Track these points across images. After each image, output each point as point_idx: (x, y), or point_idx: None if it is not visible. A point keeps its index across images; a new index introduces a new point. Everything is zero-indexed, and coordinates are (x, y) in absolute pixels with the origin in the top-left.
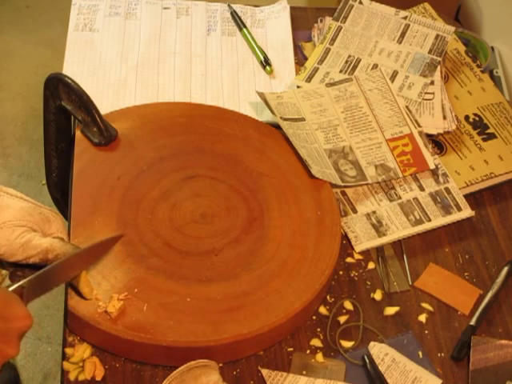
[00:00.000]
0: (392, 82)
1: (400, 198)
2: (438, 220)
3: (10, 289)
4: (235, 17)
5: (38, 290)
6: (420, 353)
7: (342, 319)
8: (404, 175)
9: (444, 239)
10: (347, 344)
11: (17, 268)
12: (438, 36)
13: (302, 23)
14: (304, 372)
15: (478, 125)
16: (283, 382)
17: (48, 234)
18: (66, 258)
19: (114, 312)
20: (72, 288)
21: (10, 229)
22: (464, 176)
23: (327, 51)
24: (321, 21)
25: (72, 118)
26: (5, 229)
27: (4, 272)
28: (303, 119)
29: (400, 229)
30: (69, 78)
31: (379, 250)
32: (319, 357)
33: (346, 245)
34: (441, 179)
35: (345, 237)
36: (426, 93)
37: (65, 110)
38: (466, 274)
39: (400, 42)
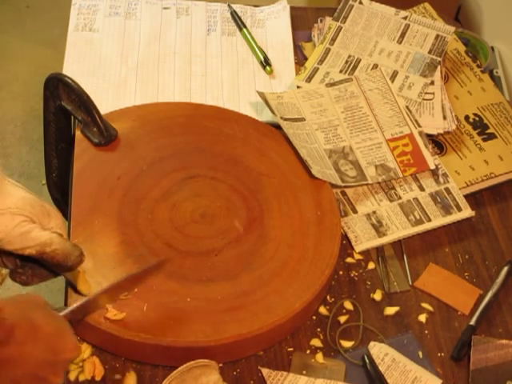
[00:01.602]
0: (392, 82)
1: (400, 198)
2: (438, 220)
3: (62, 313)
4: (235, 17)
5: (81, 313)
6: (420, 353)
7: (342, 319)
8: (404, 175)
9: (444, 239)
10: (347, 344)
11: (17, 265)
12: (438, 36)
13: (302, 23)
14: (304, 372)
15: (478, 125)
16: (283, 381)
17: (47, 229)
18: (113, 284)
19: (112, 318)
20: (70, 285)
21: (10, 215)
22: (464, 176)
23: (327, 51)
24: (321, 21)
25: (72, 117)
26: (5, 215)
27: (4, 272)
28: (303, 119)
29: (400, 229)
30: (69, 78)
31: (379, 250)
32: (319, 357)
33: (346, 245)
34: (441, 179)
35: (345, 237)
36: (426, 93)
37: (65, 110)
38: (466, 274)
39: (400, 42)
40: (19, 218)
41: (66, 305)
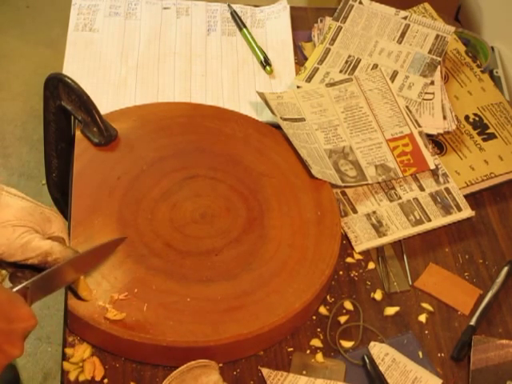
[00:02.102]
0: (392, 82)
1: (400, 198)
2: (438, 220)
3: (14, 289)
4: (235, 17)
5: (41, 292)
6: (420, 353)
7: (342, 319)
8: (404, 175)
9: (444, 239)
10: (347, 344)
11: (17, 269)
12: (438, 36)
13: (302, 23)
14: (304, 372)
15: (478, 125)
16: (283, 381)
17: (48, 234)
18: (69, 261)
19: (112, 318)
20: (71, 291)
21: (10, 228)
22: (464, 176)
23: (327, 51)
24: (321, 21)
25: (72, 117)
26: (5, 228)
27: (4, 272)
28: (303, 119)
29: (400, 229)
30: (69, 78)
31: (379, 250)
32: (319, 357)
33: (346, 245)
34: (441, 179)
35: (345, 237)
36: (426, 93)
37: (65, 110)
38: (466, 274)
39: (400, 42)
40: (20, 229)
41: (66, 307)
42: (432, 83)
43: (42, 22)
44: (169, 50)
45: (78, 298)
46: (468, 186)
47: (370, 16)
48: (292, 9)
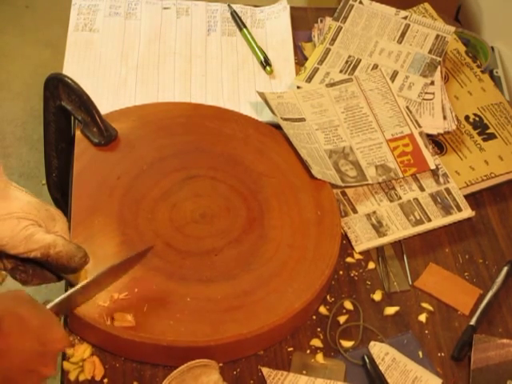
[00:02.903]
0: (392, 82)
1: (400, 198)
2: (438, 220)
3: (49, 306)
4: (235, 17)
5: (70, 306)
6: (420, 353)
7: (342, 319)
8: (404, 175)
9: (444, 239)
10: (347, 344)
11: (17, 262)
12: (438, 36)
13: (302, 23)
14: (304, 372)
15: (478, 125)
16: (283, 381)
17: (52, 233)
18: (99, 274)
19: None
20: (70, 286)
21: (15, 220)
22: (464, 176)
23: (327, 51)
24: (321, 21)
25: (72, 118)
26: (10, 219)
27: (4, 273)
28: (303, 119)
29: (400, 229)
30: (69, 78)
31: (379, 250)
32: (319, 357)
33: (346, 245)
34: (441, 180)
35: (345, 237)
36: (426, 93)
37: (65, 110)
38: (466, 274)
39: (400, 42)
40: (25, 221)
41: None
42: (432, 83)
43: (42, 22)
44: (169, 50)
45: None
46: (468, 186)
47: (370, 16)
48: (292, 9)
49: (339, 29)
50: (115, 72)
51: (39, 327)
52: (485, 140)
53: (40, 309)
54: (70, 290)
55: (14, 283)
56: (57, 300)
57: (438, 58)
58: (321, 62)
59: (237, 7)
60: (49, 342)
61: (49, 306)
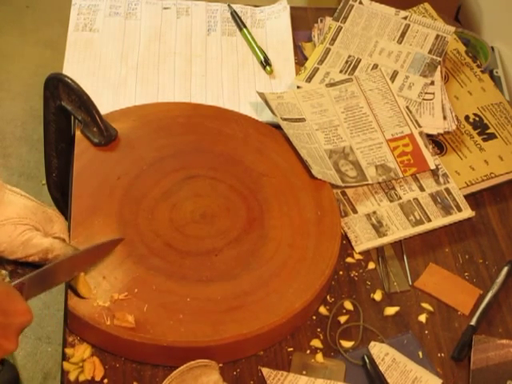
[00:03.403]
0: (392, 82)
1: (400, 198)
2: (438, 220)
3: (13, 283)
4: (235, 17)
5: (37, 288)
6: (420, 353)
7: (342, 319)
8: (404, 175)
9: (444, 239)
10: (347, 344)
11: (17, 266)
12: (438, 36)
13: (302, 23)
14: (304, 372)
15: (478, 125)
16: (283, 381)
17: (50, 234)
18: (66, 258)
19: (122, 324)
20: (71, 289)
21: (12, 226)
22: (464, 176)
23: (327, 51)
24: (321, 21)
25: (72, 117)
26: (7, 225)
27: (4, 272)
28: (304, 119)
29: (400, 229)
30: (69, 78)
31: (379, 250)
32: (319, 357)
33: (346, 245)
34: (441, 180)
35: (345, 237)
36: (426, 93)
37: (65, 110)
38: (466, 274)
39: (400, 42)
40: (21, 227)
41: (66, 307)
42: (432, 83)
43: (42, 22)
44: (169, 49)
45: (78, 295)
46: (468, 186)
47: (370, 16)
48: (292, 9)
49: (339, 29)
50: (115, 72)
51: (0, 296)
52: (485, 140)
53: (1, 282)
54: (33, 272)
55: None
56: (20, 279)
57: (438, 58)
58: (321, 61)
59: (237, 7)
60: (10, 313)
61: (12, 283)
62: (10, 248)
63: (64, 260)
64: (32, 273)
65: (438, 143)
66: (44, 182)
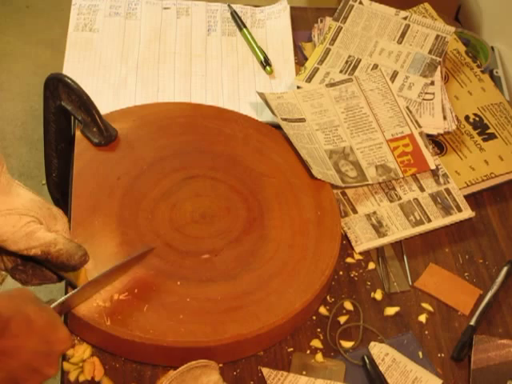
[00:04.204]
0: (392, 82)
1: (400, 198)
2: (439, 221)
3: (52, 306)
4: (235, 17)
5: (71, 305)
6: (420, 353)
7: (342, 319)
8: (404, 176)
9: (444, 239)
10: (347, 344)
11: (17, 263)
12: (438, 36)
13: (302, 23)
14: (304, 372)
15: (478, 125)
16: (283, 381)
17: (53, 231)
18: (100, 275)
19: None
20: (70, 285)
21: (16, 216)
22: (464, 176)
23: (327, 51)
24: (321, 21)
25: (72, 118)
26: (12, 215)
27: (4, 273)
28: (304, 120)
29: (400, 229)
30: (69, 78)
31: (379, 250)
32: (319, 357)
33: (346, 245)
34: (441, 180)
35: (345, 237)
36: (426, 93)
37: (65, 110)
38: (466, 274)
39: (400, 43)
40: (26, 218)
41: None
42: (432, 83)
43: (42, 22)
44: (169, 49)
45: (73, 287)
46: (468, 186)
47: (370, 16)
48: (292, 9)
49: (339, 29)
50: (115, 72)
51: (45, 327)
52: (485, 140)
53: (45, 309)
54: (73, 291)
55: (13, 283)
56: (60, 300)
57: (438, 58)
58: (321, 62)
59: (237, 7)
60: (53, 342)
61: (53, 305)
62: (13, 238)
63: (99, 277)
64: (71, 293)
65: (438, 143)
66: (44, 182)
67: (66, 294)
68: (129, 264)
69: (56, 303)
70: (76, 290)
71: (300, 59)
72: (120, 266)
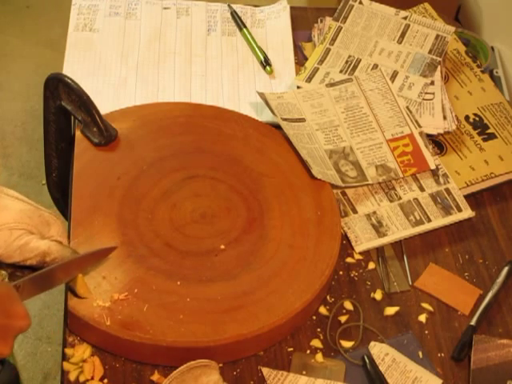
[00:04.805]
0: (392, 82)
1: (400, 198)
2: (438, 221)
3: (12, 284)
4: (235, 17)
5: (32, 291)
6: (420, 353)
7: (342, 319)
8: (404, 176)
9: (444, 239)
10: (347, 344)
11: (16, 269)
12: (438, 36)
13: (302, 23)
14: (304, 372)
15: (478, 125)
16: (283, 381)
17: (47, 237)
18: (62, 263)
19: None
20: (70, 289)
21: (7, 231)
22: (464, 176)
23: (327, 51)
24: (321, 21)
25: (72, 118)
26: (3, 231)
27: (4, 272)
28: (304, 120)
29: (400, 229)
30: (69, 78)
31: (379, 250)
32: (319, 357)
33: (346, 245)
34: (441, 180)
35: (345, 237)
36: (426, 93)
37: (65, 110)
38: (466, 274)
39: (400, 42)
40: (17, 232)
41: (66, 307)
42: (432, 83)
43: (42, 22)
44: (169, 49)
45: (76, 295)
46: (468, 186)
47: (370, 16)
48: (292, 9)
49: (339, 29)
50: (115, 72)
51: (2, 297)
52: (485, 140)
53: (3, 283)
54: (31, 275)
55: None
56: (19, 280)
57: (438, 58)
58: (321, 61)
59: (237, 7)
60: (11, 316)
61: (12, 283)
62: (7, 253)
63: (59, 265)
64: (27, 276)
65: (438, 143)
66: (44, 182)
67: (65, 295)
68: (93, 257)
69: (13, 283)
70: (33, 274)
71: (300, 59)
72: (83, 256)
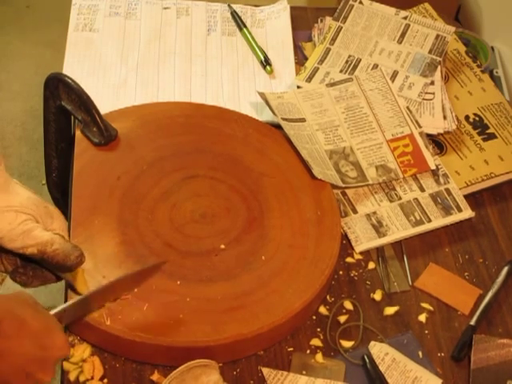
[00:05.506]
0: (392, 82)
1: (400, 198)
2: (439, 221)
3: (52, 312)
4: (235, 17)
5: (76, 314)
6: (420, 353)
7: (342, 319)
8: (405, 176)
9: (444, 239)
10: (347, 344)
11: (17, 266)
12: (438, 36)
13: (302, 23)
14: (304, 372)
15: (478, 125)
16: (283, 381)
17: (49, 230)
18: (108, 284)
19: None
20: (69, 286)
21: (13, 213)
22: (464, 176)
23: (327, 51)
24: (321, 21)
25: (72, 117)
26: (9, 212)
27: (4, 274)
28: (304, 120)
29: (400, 229)
30: (69, 77)
31: (379, 250)
32: (319, 357)
33: (346, 244)
34: (441, 180)
35: (345, 237)
36: (426, 93)
37: (65, 109)
38: (466, 274)
39: (400, 42)
40: (23, 216)
41: None
42: (432, 83)
43: (42, 22)
44: (169, 50)
45: (75, 291)
46: (468, 186)
47: (370, 16)
48: (292, 9)
49: (339, 29)
50: (115, 72)
51: (40, 331)
52: (485, 140)
53: (43, 313)
54: (75, 299)
55: (13, 283)
56: (61, 307)
57: (438, 58)
58: (321, 61)
59: (237, 7)
60: (49, 347)
61: (53, 311)
62: (10, 235)
63: (105, 286)
64: (73, 300)
65: (438, 143)
66: (44, 182)
67: (65, 295)
68: (140, 275)
69: (57, 309)
70: (77, 298)
71: (300, 59)
72: (130, 276)
